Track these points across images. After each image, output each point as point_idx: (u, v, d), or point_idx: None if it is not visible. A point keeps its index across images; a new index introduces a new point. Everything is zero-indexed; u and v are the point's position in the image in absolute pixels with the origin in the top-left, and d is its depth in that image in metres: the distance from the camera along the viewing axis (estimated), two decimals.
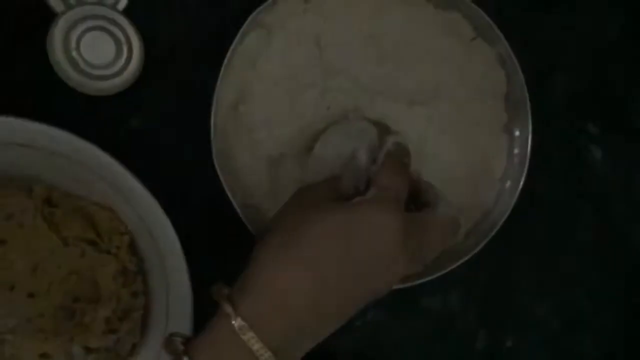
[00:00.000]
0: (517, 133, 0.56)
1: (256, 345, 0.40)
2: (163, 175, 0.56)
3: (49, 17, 0.54)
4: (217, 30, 0.54)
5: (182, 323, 0.51)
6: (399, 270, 0.43)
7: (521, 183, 0.55)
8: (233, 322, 0.40)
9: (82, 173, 0.51)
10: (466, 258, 0.53)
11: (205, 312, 0.45)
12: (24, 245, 0.49)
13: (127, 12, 0.56)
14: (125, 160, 0.51)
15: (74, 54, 0.55)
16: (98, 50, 0.55)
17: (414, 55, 0.56)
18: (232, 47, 0.51)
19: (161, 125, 0.57)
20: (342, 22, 0.55)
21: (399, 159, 0.49)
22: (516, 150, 0.56)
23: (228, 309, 0.41)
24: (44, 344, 0.49)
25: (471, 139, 0.56)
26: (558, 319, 0.63)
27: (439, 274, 0.54)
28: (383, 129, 0.54)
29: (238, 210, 0.51)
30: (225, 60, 0.51)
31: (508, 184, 0.56)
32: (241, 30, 0.52)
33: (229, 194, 0.51)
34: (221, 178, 0.51)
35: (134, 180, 0.50)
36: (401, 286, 0.53)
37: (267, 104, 0.54)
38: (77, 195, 0.53)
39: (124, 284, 0.51)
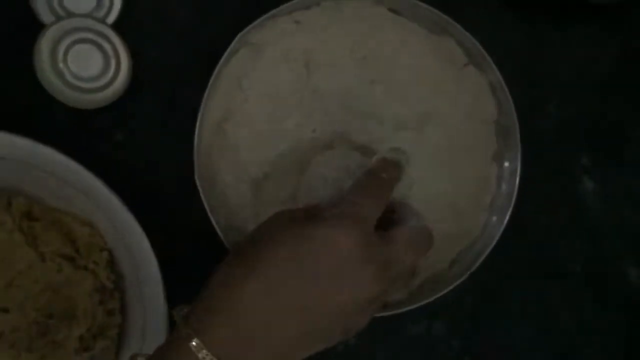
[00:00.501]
0: (506, 162, 0.55)
1: (201, 353, 0.39)
2: (146, 191, 0.56)
3: (38, 28, 0.54)
4: (206, 47, 0.53)
5: (159, 342, 0.50)
6: (366, 289, 0.42)
7: (509, 213, 0.53)
8: (182, 332, 0.40)
9: (62, 187, 0.51)
10: (450, 287, 0.52)
11: None
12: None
13: (116, 26, 0.55)
14: (108, 175, 0.51)
15: (61, 66, 0.54)
16: (86, 63, 0.55)
17: (405, 79, 0.55)
18: (219, 65, 0.51)
19: (146, 140, 0.57)
20: (333, 44, 0.54)
21: (377, 175, 0.48)
22: (505, 180, 0.55)
23: (179, 320, 0.41)
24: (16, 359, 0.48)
25: (459, 167, 0.55)
26: (546, 349, 0.62)
27: (422, 302, 0.53)
28: (370, 154, 0.53)
29: (218, 230, 0.50)
30: (212, 78, 0.51)
31: (495, 213, 0.55)
32: (229, 49, 0.51)
33: (209, 214, 0.50)
34: (202, 197, 0.50)
35: (112, 196, 0.49)
36: (385, 314, 0.52)
37: (252, 123, 0.53)
38: (58, 209, 0.52)
39: (100, 301, 0.50)
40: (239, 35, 0.51)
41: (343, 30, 0.54)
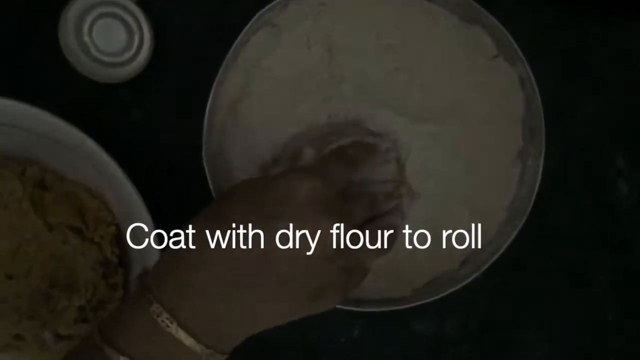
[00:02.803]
0: (530, 161, 0.53)
1: (153, 306, 0.38)
2: (159, 168, 0.56)
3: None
4: (231, 28, 0.52)
5: None
6: (325, 231, 0.41)
7: (526, 215, 0.51)
8: (136, 290, 0.40)
9: (75, 159, 0.51)
10: (456, 287, 0.51)
11: None
12: (7, 227, 0.50)
13: (141, 2, 0.55)
14: (123, 150, 0.51)
15: (86, 39, 0.55)
16: (110, 38, 0.55)
17: (431, 68, 0.53)
18: (235, 44, 0.50)
19: (164, 117, 0.57)
20: (358, 28, 0.53)
21: (344, 151, 0.49)
22: (527, 180, 0.52)
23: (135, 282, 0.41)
24: (18, 325, 0.50)
25: (480, 163, 0.53)
26: (561, 358, 0.59)
27: (431, 299, 0.51)
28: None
29: None
30: (227, 57, 0.50)
31: (513, 215, 0.52)
32: (247, 27, 0.50)
33: (214, 195, 0.50)
34: (208, 177, 0.50)
35: (120, 172, 0.49)
36: (388, 308, 0.51)
37: (267, 105, 0.52)
38: (70, 180, 0.53)
39: (103, 274, 0.51)
40: (258, 14, 0.50)
41: (369, 15, 0.53)
